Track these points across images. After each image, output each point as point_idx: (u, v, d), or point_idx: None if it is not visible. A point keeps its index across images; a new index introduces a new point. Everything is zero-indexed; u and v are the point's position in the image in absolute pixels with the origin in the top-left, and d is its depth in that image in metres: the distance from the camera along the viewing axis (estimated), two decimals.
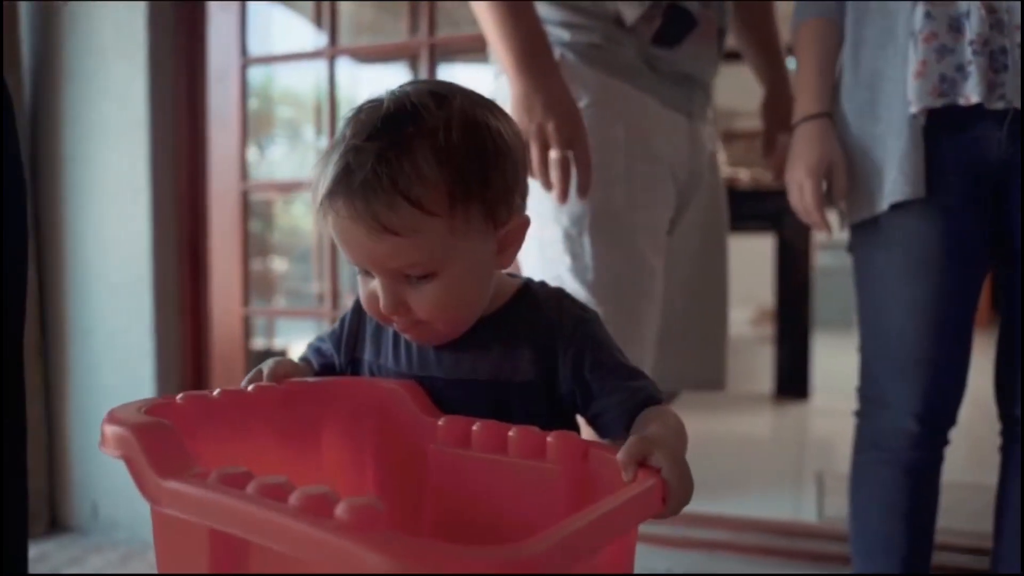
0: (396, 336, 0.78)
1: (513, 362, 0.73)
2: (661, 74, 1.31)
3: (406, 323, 0.72)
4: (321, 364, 0.85)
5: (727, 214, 1.50)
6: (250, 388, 0.75)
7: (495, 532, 0.65)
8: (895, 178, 1.23)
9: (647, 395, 0.71)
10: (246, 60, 2.31)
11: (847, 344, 1.71)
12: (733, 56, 1.51)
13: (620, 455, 0.60)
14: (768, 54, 1.57)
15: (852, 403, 1.39)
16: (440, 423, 0.71)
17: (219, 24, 2.31)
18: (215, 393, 0.72)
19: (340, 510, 0.47)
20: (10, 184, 0.82)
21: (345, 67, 2.64)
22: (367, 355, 0.81)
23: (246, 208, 2.37)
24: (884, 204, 1.25)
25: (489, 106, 0.71)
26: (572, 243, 1.25)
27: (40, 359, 2.31)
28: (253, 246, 3.21)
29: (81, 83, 2.26)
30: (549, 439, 0.64)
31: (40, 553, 2.13)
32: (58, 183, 2.30)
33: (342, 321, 0.84)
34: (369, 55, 2.45)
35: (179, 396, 0.70)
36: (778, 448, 3.11)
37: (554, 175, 1.18)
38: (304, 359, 0.86)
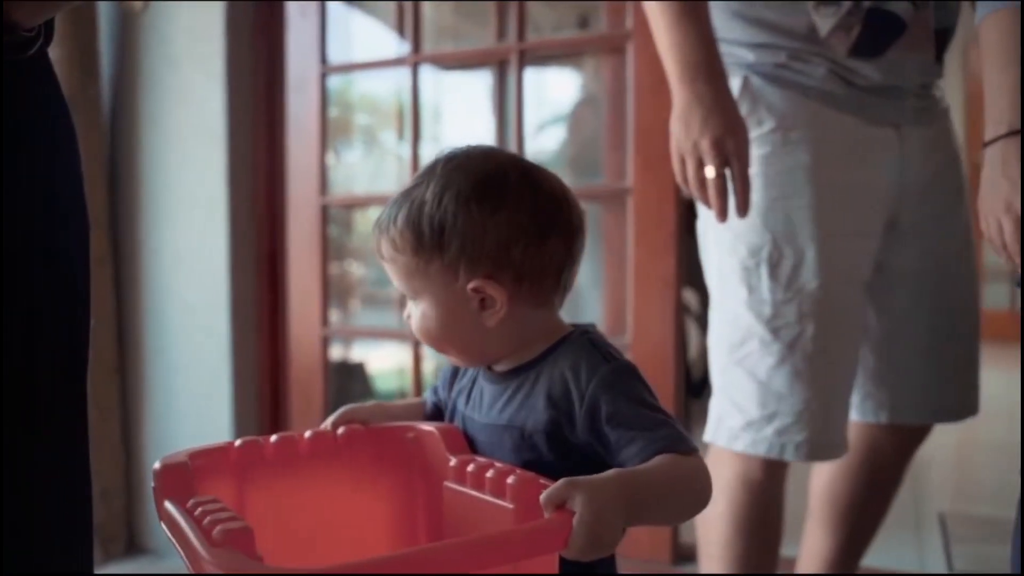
0: (474, 377, 0.86)
1: (530, 409, 0.78)
2: (860, 88, 1.20)
3: None
4: (433, 403, 0.91)
5: (969, 221, 1.32)
6: (307, 435, 0.84)
7: None
8: None
9: (666, 445, 0.71)
10: (326, 68, 2.21)
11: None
12: None
13: (541, 496, 0.64)
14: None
15: (993, 432, 1.20)
16: (452, 462, 0.76)
17: (298, 31, 2.22)
18: (272, 439, 0.83)
19: (216, 532, 0.60)
20: (73, 219, 0.77)
21: (427, 73, 2.52)
22: (454, 392, 0.89)
23: (325, 223, 2.27)
24: None
25: (495, 186, 0.78)
26: (749, 275, 1.22)
27: (117, 377, 2.26)
28: (331, 251, 3.14)
29: (158, 93, 2.20)
30: (509, 480, 0.67)
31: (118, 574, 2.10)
32: (136, 196, 2.24)
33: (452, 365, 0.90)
34: (453, 62, 2.32)
35: (237, 441, 0.82)
36: None
37: (709, 194, 1.15)
38: (425, 399, 0.94)
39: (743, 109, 1.21)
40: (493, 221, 0.77)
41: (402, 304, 3.02)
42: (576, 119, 2.61)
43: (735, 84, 1.23)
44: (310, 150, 2.22)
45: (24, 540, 0.68)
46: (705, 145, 1.13)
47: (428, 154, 2.47)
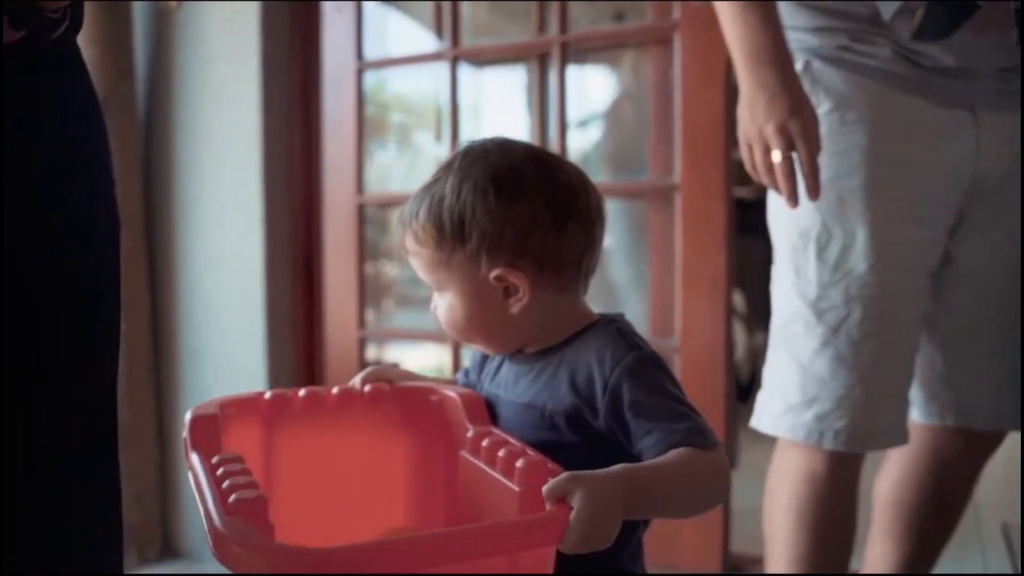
0: (503, 360, 0.88)
1: (552, 391, 0.79)
2: (928, 69, 1.15)
3: None
4: (464, 384, 0.93)
5: None
6: (334, 390, 0.88)
7: None
8: None
9: (684, 437, 0.71)
10: (362, 65, 2.16)
11: None
12: None
13: (544, 488, 0.64)
14: None
15: None
16: (469, 433, 0.78)
17: (334, 28, 2.18)
18: (301, 393, 0.86)
19: (232, 499, 0.62)
20: (101, 214, 0.74)
21: (463, 72, 2.48)
22: (483, 374, 0.91)
23: (362, 223, 2.22)
24: None
25: (512, 176, 0.80)
26: (796, 256, 1.20)
27: (152, 378, 2.24)
28: (366, 251, 3.10)
29: (192, 92, 2.17)
30: (518, 463, 0.68)
31: None
32: (170, 195, 2.22)
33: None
34: (492, 56, 2.26)
35: (267, 393, 0.85)
36: None
37: (777, 179, 1.14)
38: (457, 379, 0.96)
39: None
40: (512, 211, 0.79)
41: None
42: (617, 114, 2.54)
43: (796, 68, 1.19)
44: (346, 148, 2.18)
45: (53, 541, 0.67)
46: (770, 130, 1.12)
47: None
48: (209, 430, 0.77)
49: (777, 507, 1.29)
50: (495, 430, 0.78)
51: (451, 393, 0.86)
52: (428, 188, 0.82)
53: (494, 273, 0.79)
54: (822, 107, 1.18)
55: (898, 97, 1.17)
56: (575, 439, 0.77)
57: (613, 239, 2.70)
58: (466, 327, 0.83)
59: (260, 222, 2.11)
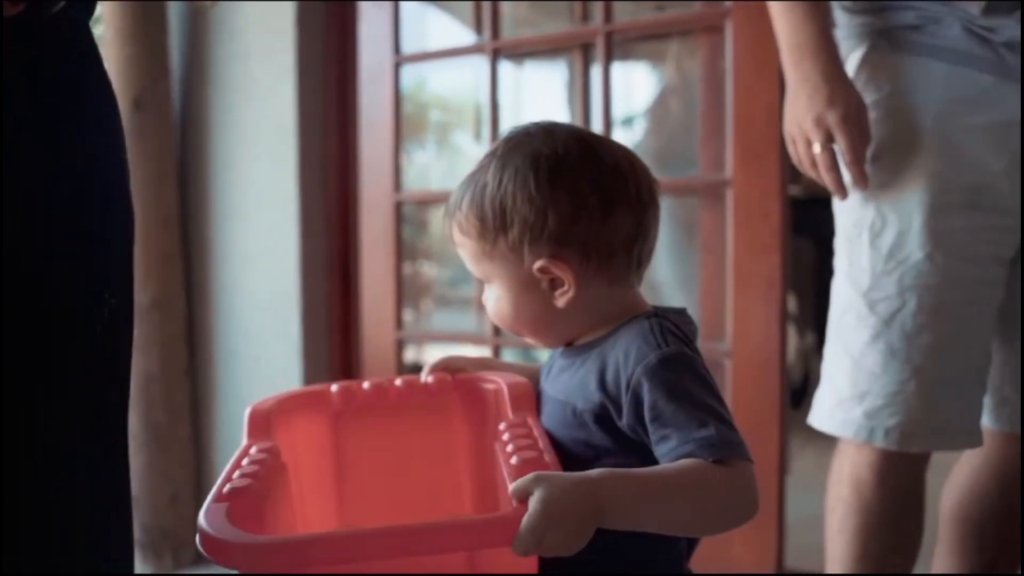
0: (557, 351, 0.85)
1: (583, 388, 0.75)
2: (1000, 45, 1.10)
3: None
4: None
5: None
6: (398, 382, 0.90)
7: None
8: None
9: (696, 448, 0.66)
10: (399, 59, 2.10)
11: None
12: None
13: (510, 487, 0.63)
14: None
15: None
16: (502, 425, 0.77)
17: (371, 22, 2.13)
18: (365, 385, 0.89)
19: (227, 487, 0.67)
20: (112, 203, 0.70)
21: (503, 68, 2.41)
22: (549, 365, 0.87)
23: (399, 221, 2.16)
24: None
25: (553, 162, 0.76)
26: (851, 245, 1.18)
27: (187, 380, 2.20)
28: (404, 251, 3.04)
29: (228, 89, 2.13)
30: (512, 460, 0.67)
31: None
32: (206, 194, 2.18)
33: None
34: (533, 48, 2.18)
35: (333, 386, 0.89)
36: None
37: (821, 172, 1.14)
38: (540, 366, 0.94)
39: (863, 77, 1.17)
40: (553, 197, 0.75)
41: (479, 306, 2.92)
42: (663, 108, 2.46)
43: (858, 54, 1.19)
44: (383, 144, 2.12)
45: (53, 542, 0.64)
46: (808, 123, 1.12)
47: None
48: (261, 422, 0.81)
49: (831, 511, 1.24)
50: (527, 422, 0.77)
51: (502, 383, 0.85)
52: (473, 176, 0.80)
53: (537, 265, 0.76)
54: (883, 90, 1.15)
55: (969, 76, 1.13)
56: (603, 438, 0.74)
57: (661, 237, 2.60)
58: (513, 320, 0.81)
59: (295, 220, 2.07)
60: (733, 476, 0.66)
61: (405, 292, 2.26)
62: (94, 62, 0.69)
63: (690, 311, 0.84)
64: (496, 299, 0.80)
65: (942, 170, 1.12)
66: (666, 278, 2.28)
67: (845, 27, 1.22)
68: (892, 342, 1.13)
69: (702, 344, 0.81)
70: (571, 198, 0.75)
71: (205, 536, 0.61)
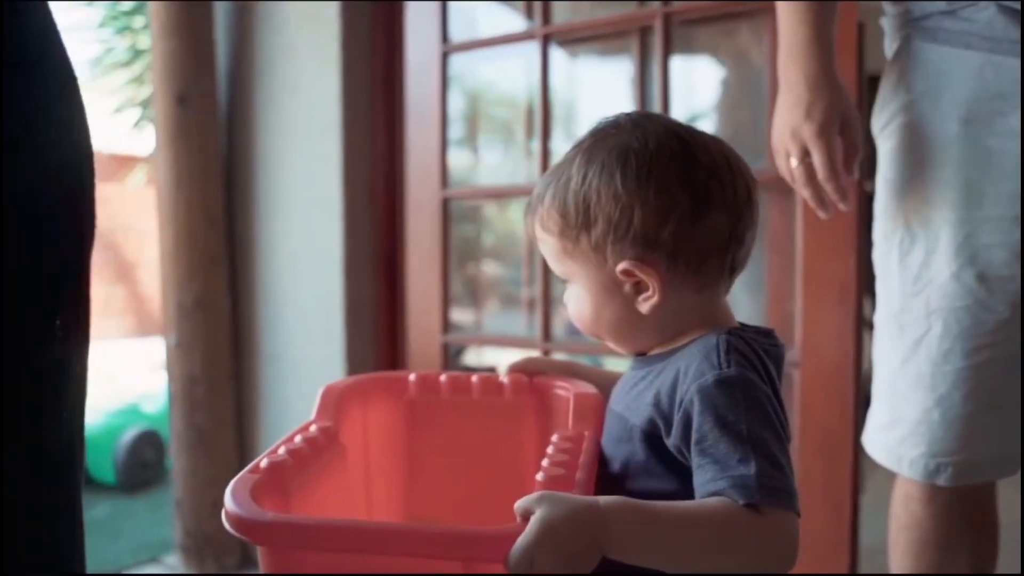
0: None
1: (640, 402, 0.72)
2: None
3: None
4: None
5: None
6: (474, 378, 0.90)
7: None
8: None
9: (727, 487, 0.60)
10: (447, 48, 2.00)
11: None
12: None
13: (516, 503, 0.61)
14: None
15: None
16: (554, 436, 0.75)
17: (417, 12, 2.03)
18: (442, 377, 0.91)
19: (264, 462, 0.70)
20: (56, 208, 0.60)
21: (557, 61, 2.28)
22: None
23: (447, 219, 2.06)
24: None
25: (643, 157, 0.71)
26: (884, 263, 1.12)
27: (232, 384, 2.15)
28: (465, 251, 2.94)
29: (274, 83, 2.07)
30: (538, 476, 0.67)
31: None
32: (251, 193, 2.13)
33: None
34: (587, 33, 2.05)
35: (411, 375, 0.91)
36: None
37: (797, 188, 1.09)
38: None
39: (895, 73, 1.09)
40: (641, 196, 0.70)
41: (531, 307, 2.80)
42: (728, 96, 2.31)
43: (893, 49, 1.12)
44: (430, 139, 2.03)
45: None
46: (787, 135, 1.07)
47: (559, 144, 2.23)
48: (330, 403, 0.83)
49: (890, 529, 1.19)
50: (581, 436, 0.74)
51: (572, 391, 0.84)
52: (557, 169, 0.76)
53: (621, 266, 0.71)
54: (914, 91, 1.07)
55: (1005, 65, 1.01)
56: (647, 455, 0.70)
57: None
58: (593, 323, 0.77)
59: (339, 218, 1.99)
60: (764, 526, 0.59)
61: (467, 291, 2.16)
62: (51, 41, 0.60)
63: (756, 317, 0.75)
64: (576, 299, 0.77)
65: (975, 179, 1.02)
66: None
67: (889, 19, 1.14)
68: (920, 367, 1.07)
69: None
70: (661, 197, 0.70)
71: (225, 509, 0.63)
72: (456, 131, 2.81)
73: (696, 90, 2.49)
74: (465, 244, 3.08)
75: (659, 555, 0.60)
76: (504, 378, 0.89)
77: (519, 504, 0.60)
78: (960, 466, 1.07)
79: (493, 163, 3.52)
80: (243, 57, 2.11)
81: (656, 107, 1.79)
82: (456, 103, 2.77)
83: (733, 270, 0.74)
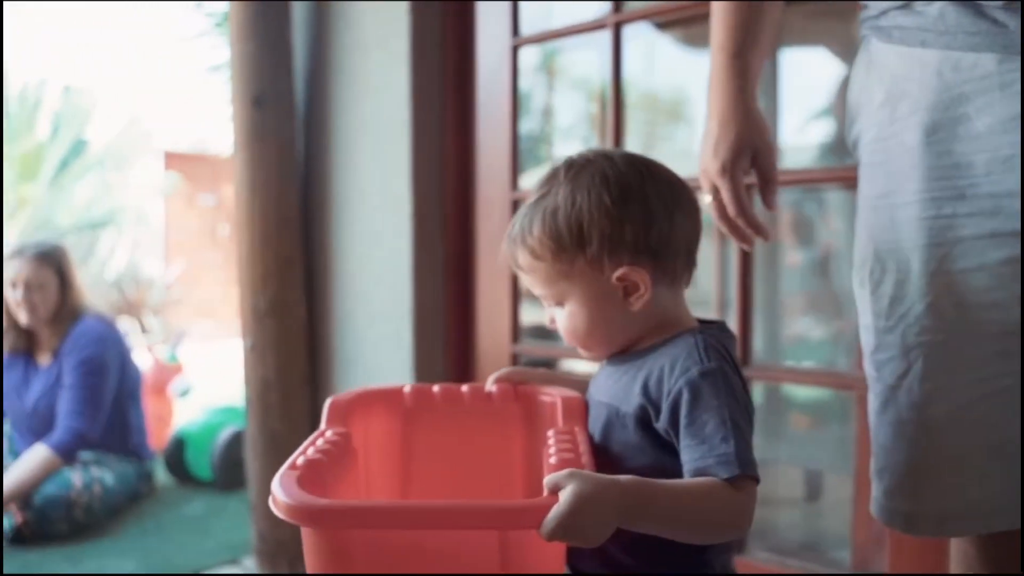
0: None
1: (627, 393, 0.83)
2: (999, 9, 0.84)
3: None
4: None
5: None
6: (464, 388, 0.99)
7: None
8: None
9: (711, 465, 0.75)
10: (518, 41, 1.90)
11: None
12: None
13: (545, 478, 0.70)
14: None
15: None
16: (549, 433, 0.84)
17: (489, 7, 1.94)
18: (436, 388, 1.00)
19: (300, 459, 0.78)
20: None
21: (636, 50, 2.13)
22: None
23: None
24: None
25: (621, 179, 0.84)
26: (857, 297, 1.01)
27: (307, 390, 2.12)
28: None
29: (348, 82, 2.02)
30: (551, 459, 0.76)
31: None
32: (326, 195, 2.09)
33: None
34: (668, 16, 1.89)
35: (406, 386, 1.01)
36: None
37: (715, 223, 1.05)
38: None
39: (858, 80, 0.98)
40: (628, 210, 0.83)
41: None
42: (841, 89, 2.11)
43: (858, 57, 1.02)
44: (501, 137, 1.93)
45: None
46: (701, 169, 1.04)
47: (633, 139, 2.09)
48: (339, 412, 0.92)
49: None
50: (573, 431, 0.84)
51: (558, 397, 0.93)
52: (536, 203, 0.86)
53: (618, 273, 0.83)
54: (875, 100, 0.95)
55: (964, 60, 0.87)
56: (640, 438, 0.82)
57: (843, 235, 2.25)
58: (588, 333, 0.86)
59: (408, 221, 1.92)
60: (736, 496, 0.74)
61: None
62: None
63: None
64: (569, 316, 0.86)
65: (942, 197, 0.89)
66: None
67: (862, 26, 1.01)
68: (900, 412, 0.94)
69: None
70: (642, 209, 0.83)
71: (273, 497, 0.70)
72: (530, 124, 2.69)
73: (809, 88, 2.30)
74: None
75: (659, 524, 0.74)
76: (492, 387, 0.98)
77: (549, 479, 0.69)
78: (953, 520, 0.93)
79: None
80: (322, 57, 2.08)
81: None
82: (536, 98, 2.65)
83: (695, 263, 0.88)
